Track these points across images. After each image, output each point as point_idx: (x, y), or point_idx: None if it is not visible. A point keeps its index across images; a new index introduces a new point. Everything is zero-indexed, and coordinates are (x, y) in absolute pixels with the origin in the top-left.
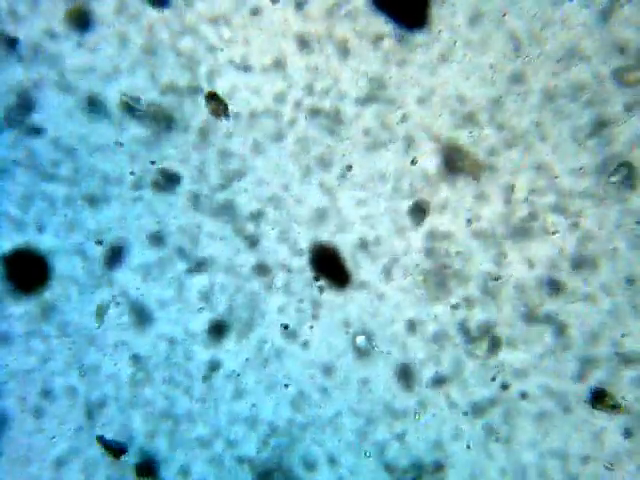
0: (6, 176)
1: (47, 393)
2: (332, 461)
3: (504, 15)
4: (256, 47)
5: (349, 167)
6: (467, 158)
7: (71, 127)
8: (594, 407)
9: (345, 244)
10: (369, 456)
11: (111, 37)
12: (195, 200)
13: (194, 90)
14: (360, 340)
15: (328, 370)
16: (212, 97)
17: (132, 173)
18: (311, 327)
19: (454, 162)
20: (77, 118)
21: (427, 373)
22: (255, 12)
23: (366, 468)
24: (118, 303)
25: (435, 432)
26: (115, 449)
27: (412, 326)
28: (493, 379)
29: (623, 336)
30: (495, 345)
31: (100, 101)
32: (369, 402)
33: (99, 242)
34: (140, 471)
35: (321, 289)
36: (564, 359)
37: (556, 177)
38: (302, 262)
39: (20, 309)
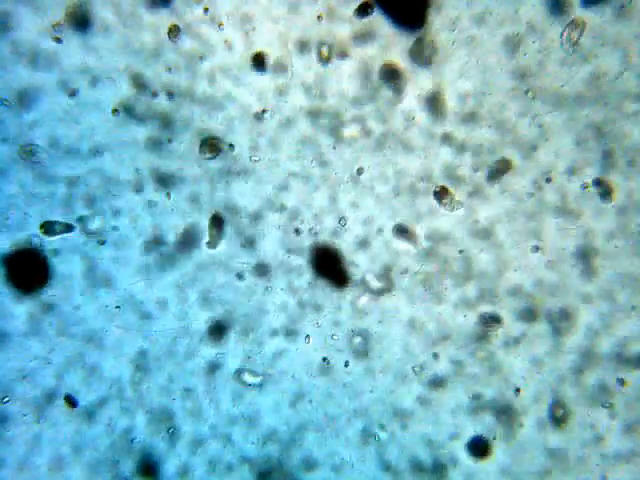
0: (6, 176)
1: (47, 393)
2: (332, 461)
3: (516, 11)
4: (256, 48)
5: (349, 167)
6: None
7: (71, 127)
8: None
9: (345, 244)
10: (369, 456)
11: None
12: (195, 200)
13: (194, 91)
14: (359, 340)
15: (328, 370)
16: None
17: (133, 174)
18: (311, 326)
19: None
20: (78, 118)
21: (427, 373)
22: (255, 12)
23: (366, 468)
24: (118, 304)
25: (436, 432)
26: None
27: (412, 326)
28: (493, 379)
29: (623, 336)
30: (495, 344)
31: (100, 102)
32: (369, 402)
33: (100, 242)
34: (140, 471)
35: (320, 288)
36: (564, 358)
37: (558, 176)
38: (302, 262)
39: (20, 309)
